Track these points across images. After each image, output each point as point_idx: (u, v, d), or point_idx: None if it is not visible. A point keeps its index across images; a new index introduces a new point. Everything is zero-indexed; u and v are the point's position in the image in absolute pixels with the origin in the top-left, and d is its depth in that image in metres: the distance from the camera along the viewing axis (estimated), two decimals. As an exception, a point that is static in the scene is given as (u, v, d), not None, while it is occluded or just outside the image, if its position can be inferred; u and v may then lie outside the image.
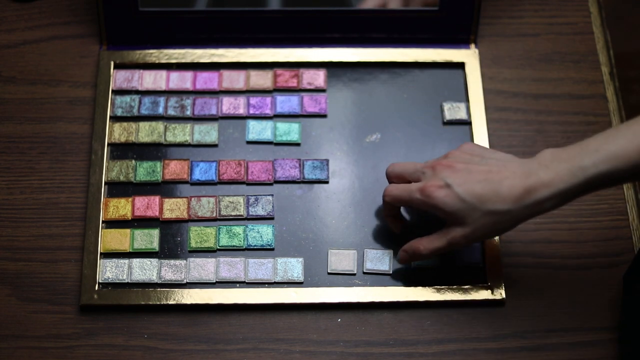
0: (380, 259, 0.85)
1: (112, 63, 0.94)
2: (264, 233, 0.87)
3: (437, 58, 0.95)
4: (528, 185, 0.74)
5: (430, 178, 0.78)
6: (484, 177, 0.76)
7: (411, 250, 0.81)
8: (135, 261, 0.85)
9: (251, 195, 0.88)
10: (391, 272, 0.85)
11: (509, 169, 0.76)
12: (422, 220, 0.86)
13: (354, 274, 0.85)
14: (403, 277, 0.85)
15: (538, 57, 0.96)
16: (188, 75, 0.94)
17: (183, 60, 0.95)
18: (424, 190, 0.78)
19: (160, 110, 0.92)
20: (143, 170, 0.89)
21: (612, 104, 0.94)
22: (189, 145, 0.91)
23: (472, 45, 0.96)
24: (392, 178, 0.83)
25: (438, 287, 0.84)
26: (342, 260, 0.86)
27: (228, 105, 0.93)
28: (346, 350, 0.83)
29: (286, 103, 0.93)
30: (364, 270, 0.85)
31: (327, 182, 0.89)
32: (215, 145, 0.91)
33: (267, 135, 0.91)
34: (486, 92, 0.94)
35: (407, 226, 0.86)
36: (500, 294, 0.84)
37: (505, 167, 0.76)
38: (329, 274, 0.85)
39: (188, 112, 0.92)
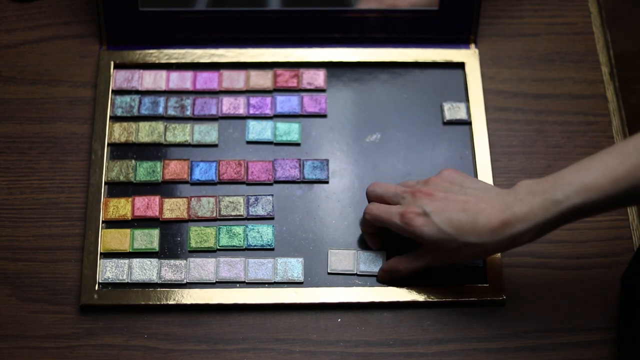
0: (374, 261, 0.85)
1: (112, 63, 0.94)
2: (264, 233, 0.87)
3: (437, 58, 0.95)
4: (504, 219, 0.75)
5: (409, 204, 0.79)
6: (462, 207, 0.76)
7: (390, 269, 0.83)
8: (135, 261, 0.85)
9: (251, 195, 0.88)
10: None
11: (486, 200, 0.76)
12: (400, 238, 0.85)
13: (354, 274, 0.85)
14: (403, 277, 0.85)
15: (538, 57, 0.96)
16: (188, 75, 0.94)
17: (183, 60, 0.95)
18: (404, 216, 0.79)
19: (160, 110, 0.92)
20: (143, 170, 0.89)
21: (612, 104, 0.94)
22: (189, 145, 0.91)
23: (472, 45, 0.96)
24: (371, 198, 0.84)
25: (438, 287, 0.84)
26: (342, 260, 0.86)
27: (228, 105, 0.93)
28: (346, 350, 0.83)
29: (286, 103, 0.93)
30: (358, 272, 0.85)
31: (327, 182, 0.89)
32: (215, 145, 0.91)
33: (267, 135, 0.91)
34: (486, 92, 0.94)
35: (385, 243, 0.86)
36: (500, 294, 0.84)
37: (483, 198, 0.76)
38: (329, 274, 0.85)
39: (188, 112, 0.92)
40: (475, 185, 0.79)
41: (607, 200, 0.72)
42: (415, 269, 0.82)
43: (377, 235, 0.85)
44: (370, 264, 0.85)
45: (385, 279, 0.84)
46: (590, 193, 0.72)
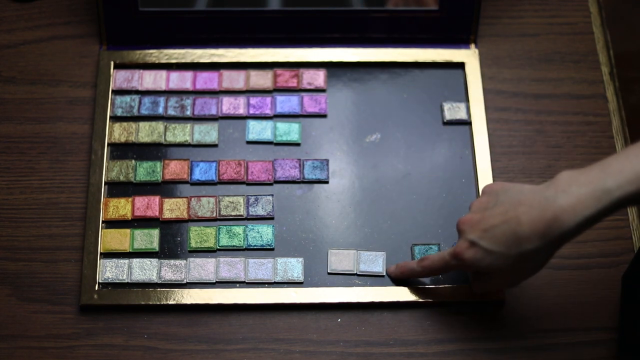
0: (374, 261, 0.85)
1: (112, 63, 0.94)
2: (264, 233, 0.87)
3: (437, 58, 0.95)
4: (549, 216, 0.69)
5: (458, 241, 0.77)
6: (502, 219, 0.72)
7: (407, 270, 0.83)
8: (135, 261, 0.85)
9: (251, 195, 0.88)
10: (384, 274, 0.85)
11: (524, 202, 0.71)
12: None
13: (354, 274, 0.85)
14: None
15: (538, 57, 0.96)
16: (188, 75, 0.94)
17: (183, 60, 0.95)
18: (456, 255, 0.76)
19: (160, 110, 0.92)
20: (143, 170, 0.89)
21: (612, 104, 0.94)
22: (189, 145, 0.91)
23: (472, 45, 0.96)
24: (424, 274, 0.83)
25: (438, 287, 0.84)
26: (342, 260, 0.86)
27: (228, 105, 0.93)
28: (346, 350, 0.82)
29: (286, 103, 0.93)
30: (357, 272, 0.85)
31: (327, 182, 0.89)
32: (215, 145, 0.91)
33: (267, 135, 0.91)
34: (486, 92, 0.94)
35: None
36: (500, 294, 0.84)
37: (520, 201, 0.72)
38: (329, 274, 0.85)
39: (188, 112, 0.92)
40: (512, 189, 0.74)
41: None
42: (484, 291, 0.82)
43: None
44: (370, 264, 0.85)
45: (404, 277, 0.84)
46: None
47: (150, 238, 0.86)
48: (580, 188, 0.68)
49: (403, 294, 0.84)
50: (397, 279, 0.84)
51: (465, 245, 0.76)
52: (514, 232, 0.71)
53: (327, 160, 0.90)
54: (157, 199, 0.88)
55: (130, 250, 0.86)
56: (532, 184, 0.74)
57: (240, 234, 0.86)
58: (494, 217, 0.73)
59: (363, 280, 0.85)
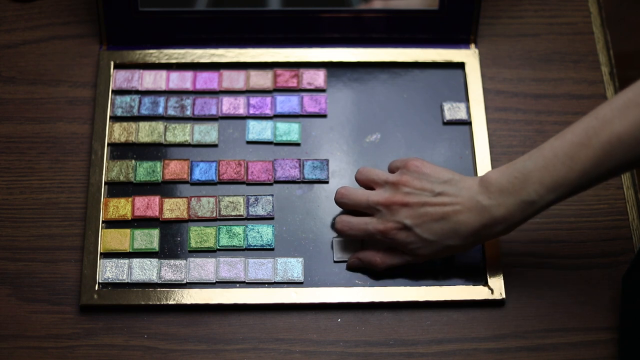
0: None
1: (112, 63, 0.94)
2: (264, 233, 0.87)
3: (437, 58, 0.95)
4: (483, 222, 0.78)
5: (387, 218, 0.81)
6: (441, 214, 0.79)
7: (367, 260, 0.84)
8: (135, 261, 0.85)
9: (251, 195, 0.88)
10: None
11: (461, 203, 0.78)
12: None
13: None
14: (403, 277, 0.85)
15: (538, 57, 0.96)
16: (188, 75, 0.94)
17: (183, 60, 0.95)
18: (386, 233, 0.81)
19: (160, 110, 0.92)
20: (143, 170, 0.89)
21: (612, 104, 0.94)
22: (189, 145, 0.91)
23: (472, 45, 0.96)
24: (344, 207, 0.85)
25: (438, 287, 0.84)
26: (347, 248, 0.86)
27: (228, 105, 0.93)
28: (346, 350, 0.83)
29: (286, 103, 0.93)
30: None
31: (327, 182, 0.89)
32: (215, 145, 0.91)
33: (267, 135, 0.91)
34: (486, 92, 0.94)
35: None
36: (500, 294, 0.84)
37: (458, 201, 0.79)
38: (335, 262, 0.85)
39: (188, 112, 0.92)
40: (443, 180, 0.80)
41: (579, 190, 0.76)
42: (392, 266, 0.83)
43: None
44: None
45: (356, 266, 0.85)
46: (562, 189, 0.75)
47: (150, 238, 0.86)
48: (508, 198, 0.76)
49: (403, 294, 0.84)
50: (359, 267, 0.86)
51: (397, 227, 0.80)
52: (452, 229, 0.79)
53: (327, 160, 0.90)
54: (157, 199, 0.88)
55: (130, 250, 0.86)
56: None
57: (240, 234, 0.87)
58: (434, 210, 0.79)
59: (363, 280, 0.85)
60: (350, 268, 0.85)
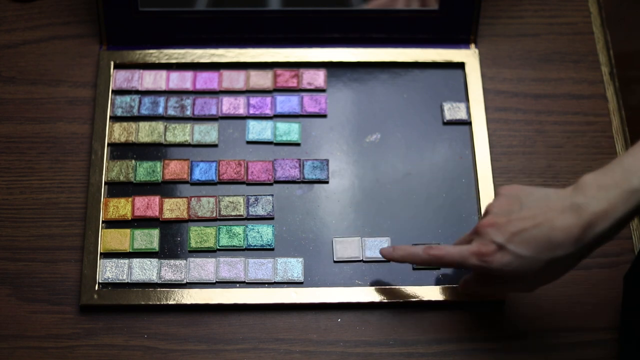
0: (379, 247, 0.85)
1: (112, 63, 0.94)
2: (264, 233, 0.87)
3: (437, 58, 0.95)
4: (583, 222, 0.70)
5: (478, 242, 0.74)
6: (532, 224, 0.71)
7: (470, 289, 0.81)
8: (135, 261, 0.85)
9: (251, 195, 0.88)
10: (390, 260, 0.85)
11: (553, 208, 0.71)
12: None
13: (361, 261, 0.85)
14: (403, 277, 0.85)
15: (538, 57, 0.96)
16: (188, 75, 0.94)
17: (183, 60, 0.95)
18: (481, 256, 0.73)
19: (160, 110, 0.92)
20: (143, 170, 0.89)
21: (612, 104, 0.94)
22: (189, 145, 0.91)
23: (472, 45, 0.96)
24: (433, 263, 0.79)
25: (438, 287, 0.84)
26: (347, 247, 0.86)
27: (228, 105, 0.93)
28: (346, 350, 0.83)
29: (286, 103, 0.93)
30: (364, 259, 0.85)
31: (327, 182, 0.89)
32: (215, 145, 0.91)
33: (267, 135, 0.91)
34: (486, 92, 0.94)
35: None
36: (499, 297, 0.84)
37: (549, 207, 0.71)
38: (335, 262, 0.85)
39: (188, 112, 0.92)
40: (536, 193, 0.74)
41: None
42: (503, 295, 0.81)
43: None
44: (376, 250, 0.85)
45: (464, 289, 0.82)
46: None
47: (150, 238, 0.86)
48: (609, 192, 0.69)
49: (403, 294, 0.84)
50: (390, 261, 0.82)
51: (492, 248, 0.73)
52: (546, 237, 0.71)
53: (327, 160, 0.90)
54: (157, 199, 0.88)
55: (130, 250, 0.86)
56: (537, 185, 0.74)
57: (240, 234, 0.87)
58: (523, 221, 0.72)
59: (363, 280, 0.85)
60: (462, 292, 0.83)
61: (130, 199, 0.88)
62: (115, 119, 0.92)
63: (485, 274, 0.76)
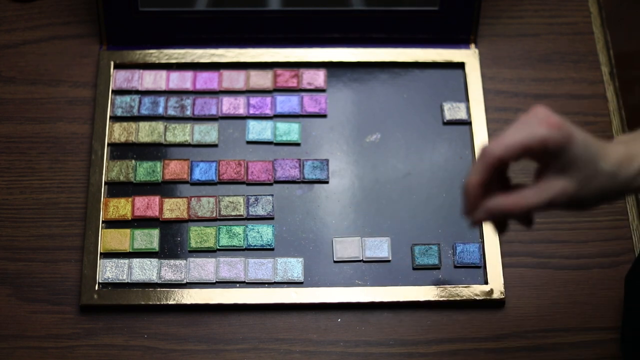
0: (379, 247, 0.85)
1: (112, 63, 0.94)
2: (264, 233, 0.87)
3: (437, 58, 0.95)
4: (628, 151, 0.66)
5: (538, 118, 0.66)
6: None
7: (499, 209, 0.65)
8: (135, 261, 0.85)
9: (251, 195, 0.88)
10: (390, 259, 0.85)
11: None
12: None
13: (361, 261, 0.85)
14: (403, 277, 0.85)
15: (538, 57, 0.96)
16: (188, 75, 0.94)
17: (183, 60, 0.95)
18: (551, 120, 0.65)
19: (160, 110, 0.92)
20: (143, 170, 0.89)
21: (612, 104, 0.94)
22: (189, 145, 0.91)
23: (472, 45, 0.96)
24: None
25: (438, 287, 0.84)
26: (347, 247, 0.86)
27: (228, 105, 0.93)
28: (346, 350, 0.83)
29: (286, 103, 0.93)
30: (364, 259, 0.85)
31: (327, 182, 0.89)
32: (215, 145, 0.91)
33: (267, 135, 0.91)
34: (486, 92, 0.94)
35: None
36: (500, 293, 0.84)
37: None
38: (335, 262, 0.85)
39: (188, 112, 0.92)
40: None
41: None
42: (532, 207, 0.65)
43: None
44: (376, 249, 0.85)
45: (483, 218, 0.66)
46: None
47: (150, 238, 0.86)
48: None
49: (403, 294, 0.84)
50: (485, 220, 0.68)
51: (558, 118, 0.66)
52: (601, 145, 0.66)
53: (327, 160, 0.90)
54: (157, 199, 0.88)
55: (130, 250, 0.86)
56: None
57: (240, 234, 0.87)
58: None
59: (363, 280, 0.85)
60: (475, 222, 0.67)
61: (130, 199, 0.88)
62: (115, 119, 0.92)
63: (554, 159, 0.66)
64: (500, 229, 0.69)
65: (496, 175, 0.67)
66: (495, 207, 0.65)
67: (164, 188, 0.89)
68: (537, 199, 0.65)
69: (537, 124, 0.65)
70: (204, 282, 0.85)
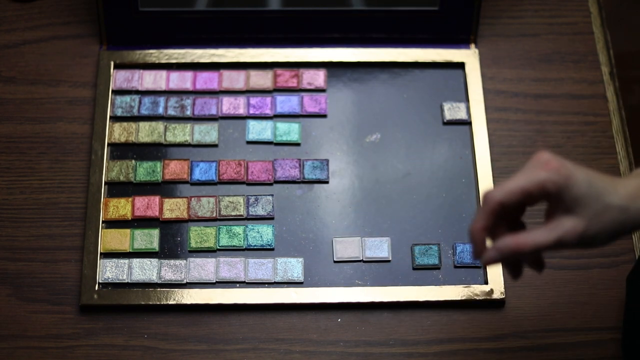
0: (379, 246, 0.85)
1: (112, 63, 0.94)
2: (264, 233, 0.87)
3: (437, 58, 0.95)
4: (636, 185, 0.66)
5: (541, 163, 0.66)
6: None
7: (508, 248, 0.65)
8: (135, 261, 0.85)
9: (251, 195, 0.88)
10: (390, 259, 0.85)
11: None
12: None
13: (361, 261, 0.85)
14: (403, 277, 0.85)
15: (538, 57, 0.96)
16: (188, 75, 0.94)
17: (183, 60, 0.95)
18: (549, 164, 0.65)
19: (160, 110, 0.92)
20: (143, 170, 0.89)
21: (612, 104, 0.94)
22: (189, 145, 0.91)
23: (472, 45, 0.96)
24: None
25: (438, 287, 0.84)
26: (347, 247, 0.86)
27: (228, 105, 0.93)
28: (346, 350, 0.83)
29: (286, 103, 0.93)
30: (364, 259, 0.85)
31: (327, 182, 0.89)
32: (215, 145, 0.91)
33: (267, 135, 0.91)
34: (486, 92, 0.94)
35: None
36: (500, 293, 0.84)
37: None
38: (335, 262, 0.85)
39: (188, 112, 0.92)
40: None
41: None
42: (541, 246, 0.65)
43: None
44: (376, 249, 0.85)
45: (495, 259, 0.66)
46: None
47: (150, 238, 0.86)
48: None
49: (403, 294, 0.84)
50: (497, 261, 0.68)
51: (560, 161, 0.65)
52: (609, 181, 0.66)
53: (327, 160, 0.90)
54: (157, 199, 0.88)
55: (130, 250, 0.86)
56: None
57: (240, 234, 0.87)
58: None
59: (363, 280, 0.85)
60: (486, 263, 0.67)
61: (130, 199, 0.88)
62: (115, 119, 0.92)
63: (557, 200, 0.66)
64: (515, 273, 0.70)
65: (505, 220, 0.68)
66: (504, 247, 0.66)
67: (164, 188, 0.89)
68: (545, 238, 0.66)
69: (538, 168, 0.66)
70: (204, 282, 0.85)
